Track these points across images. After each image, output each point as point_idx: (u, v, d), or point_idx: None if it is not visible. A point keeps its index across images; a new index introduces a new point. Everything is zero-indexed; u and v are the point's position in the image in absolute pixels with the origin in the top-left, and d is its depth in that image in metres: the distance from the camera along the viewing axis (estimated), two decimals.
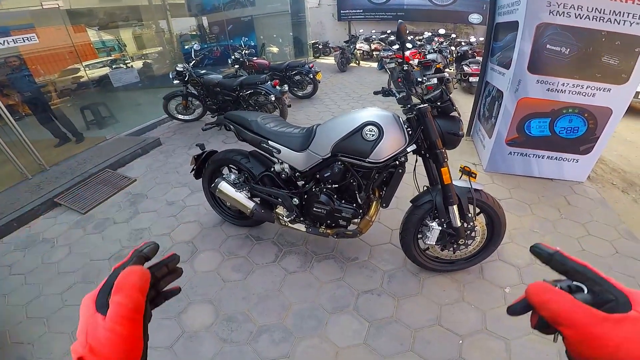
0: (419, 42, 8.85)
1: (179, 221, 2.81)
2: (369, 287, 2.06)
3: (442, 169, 1.63)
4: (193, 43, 5.24)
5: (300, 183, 2.05)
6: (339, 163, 1.76)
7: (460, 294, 1.98)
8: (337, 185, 1.86)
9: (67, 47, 5.11)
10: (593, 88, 2.58)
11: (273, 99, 4.42)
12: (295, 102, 6.39)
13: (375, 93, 2.00)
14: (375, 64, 10.97)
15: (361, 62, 11.50)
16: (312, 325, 1.87)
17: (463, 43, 8.68)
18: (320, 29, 14.81)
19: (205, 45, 8.63)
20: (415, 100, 1.70)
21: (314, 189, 1.93)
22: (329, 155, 1.76)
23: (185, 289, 2.14)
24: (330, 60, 11.97)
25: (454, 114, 1.63)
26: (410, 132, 1.67)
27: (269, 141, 1.95)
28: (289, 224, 2.09)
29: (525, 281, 2.04)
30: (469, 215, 1.75)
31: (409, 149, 1.68)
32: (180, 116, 5.30)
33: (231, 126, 2.15)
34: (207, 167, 2.40)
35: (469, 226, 1.77)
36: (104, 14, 6.59)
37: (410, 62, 6.64)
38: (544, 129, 2.88)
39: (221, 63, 6.66)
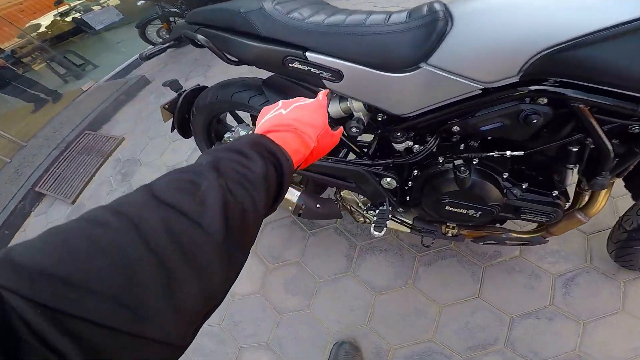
0: None
1: None
2: (530, 306, 1.15)
3: None
4: None
5: (401, 145, 0.89)
6: (542, 102, 0.67)
7: None
8: (520, 153, 0.78)
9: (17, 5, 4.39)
10: None
11: None
12: None
13: None
14: None
15: None
16: None
17: None
18: None
19: None
20: None
21: (441, 159, 0.87)
22: (514, 81, 0.64)
23: (226, 325, 1.39)
24: None
25: None
26: None
27: (306, 52, 0.80)
28: (382, 224, 1.03)
29: None
30: None
31: None
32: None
33: (200, 37, 0.93)
34: (194, 118, 1.30)
35: None
36: None
37: None
38: None
39: None
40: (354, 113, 0.91)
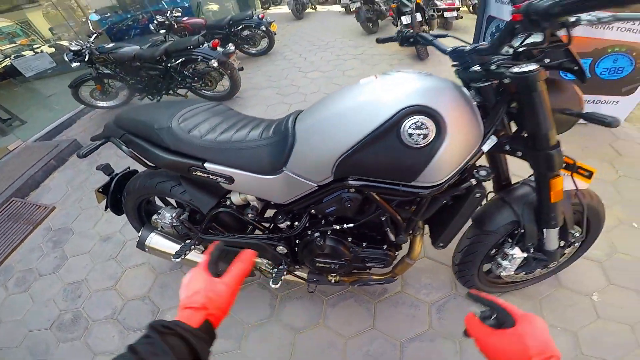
0: None
1: (123, 265, 2.03)
2: (415, 331, 1.47)
3: (552, 179, 0.90)
4: (91, 11, 3.89)
5: (283, 224, 1.18)
6: (352, 191, 0.97)
7: (539, 314, 1.46)
8: (351, 225, 1.14)
9: None
10: None
11: (215, 64, 3.35)
12: (249, 61, 5.32)
13: (381, 41, 1.25)
14: (334, 7, 9.69)
15: (317, 6, 10.11)
16: None
17: None
18: None
19: (129, 15, 6.99)
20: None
21: (310, 232, 1.19)
22: (331, 180, 0.95)
23: None
24: (282, 9, 10.38)
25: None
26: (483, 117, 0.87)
27: (205, 163, 1.05)
28: (278, 279, 1.35)
29: (612, 279, 1.52)
30: (573, 232, 1.13)
31: (486, 147, 0.88)
32: (100, 103, 4.11)
33: (124, 149, 1.23)
34: (125, 200, 1.50)
35: (568, 244, 1.16)
36: None
37: None
38: None
39: (150, 32, 5.37)
40: (250, 201, 1.19)
